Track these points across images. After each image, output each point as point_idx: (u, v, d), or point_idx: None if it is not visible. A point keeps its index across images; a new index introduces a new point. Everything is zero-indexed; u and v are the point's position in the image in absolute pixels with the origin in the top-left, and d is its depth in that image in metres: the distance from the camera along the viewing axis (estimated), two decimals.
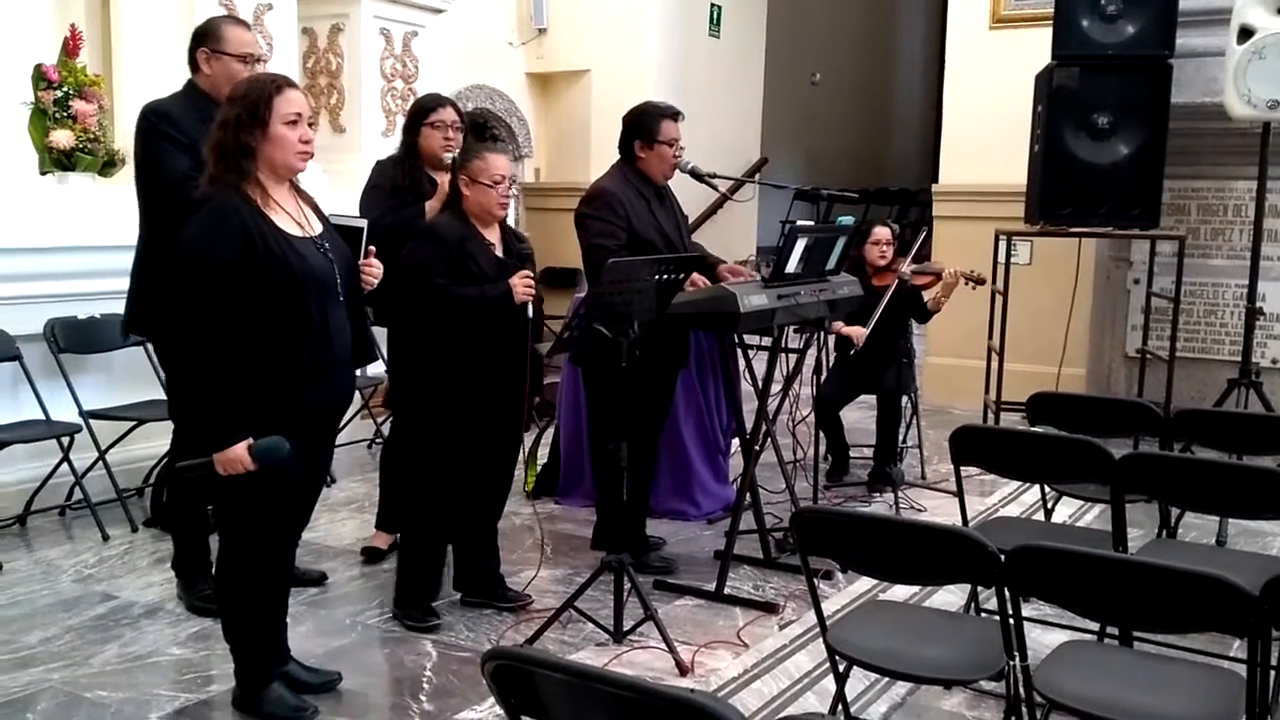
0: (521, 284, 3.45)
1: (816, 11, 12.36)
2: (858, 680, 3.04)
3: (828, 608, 3.09)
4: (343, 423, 3.25)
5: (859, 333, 5.02)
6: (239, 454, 2.68)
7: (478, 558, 3.73)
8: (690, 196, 4.68)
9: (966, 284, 5.24)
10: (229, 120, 2.76)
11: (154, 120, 3.51)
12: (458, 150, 3.86)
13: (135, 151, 3.58)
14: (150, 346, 4.63)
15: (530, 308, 3.51)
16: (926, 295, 5.28)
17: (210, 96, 3.47)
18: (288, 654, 3.10)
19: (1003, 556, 2.25)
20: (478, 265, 3.44)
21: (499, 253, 3.53)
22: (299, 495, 2.96)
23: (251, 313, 2.71)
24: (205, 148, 2.83)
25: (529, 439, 5.33)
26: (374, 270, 3.01)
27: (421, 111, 3.99)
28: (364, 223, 3.01)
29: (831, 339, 5.31)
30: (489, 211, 3.50)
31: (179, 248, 2.77)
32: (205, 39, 3.55)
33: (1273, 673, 2.39)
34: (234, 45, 3.53)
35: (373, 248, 3.03)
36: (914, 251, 5.27)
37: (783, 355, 4.20)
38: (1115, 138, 5.61)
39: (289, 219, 2.81)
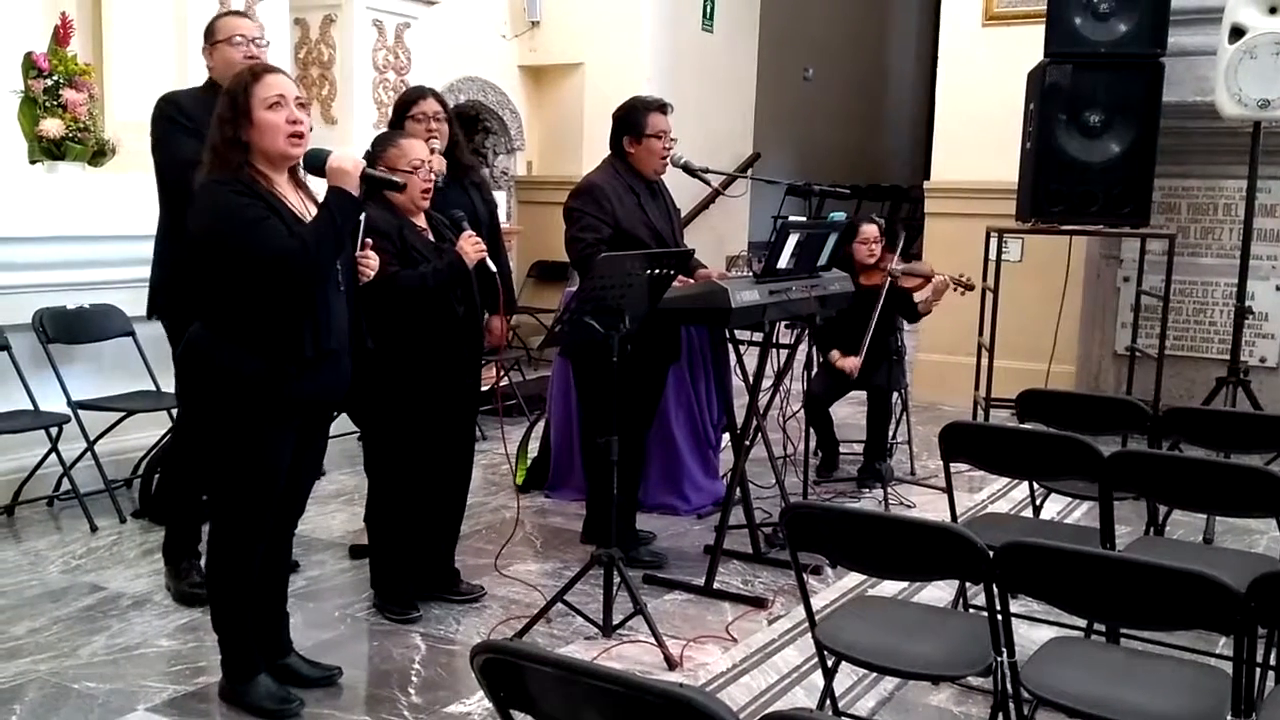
0: (469, 245, 3.37)
1: (809, 6, 12.36)
2: (846, 675, 3.04)
3: (817, 603, 3.10)
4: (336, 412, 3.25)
5: (853, 365, 5.01)
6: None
7: (437, 552, 3.69)
8: (682, 191, 4.67)
9: (955, 289, 5.24)
10: (215, 118, 2.78)
11: (162, 106, 3.68)
12: (443, 142, 3.85)
13: (151, 140, 3.70)
14: (139, 338, 4.65)
15: (491, 264, 3.43)
16: (917, 298, 5.27)
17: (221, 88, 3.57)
18: (289, 646, 3.09)
19: (991, 553, 2.26)
20: (420, 253, 3.35)
21: (431, 238, 3.45)
22: (293, 484, 2.95)
23: (256, 292, 2.71)
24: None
25: (519, 432, 5.33)
26: (370, 262, 3.01)
27: (403, 105, 3.99)
28: (360, 215, 3.03)
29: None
30: (414, 201, 3.39)
31: (189, 236, 2.79)
32: (205, 37, 3.74)
33: (1258, 670, 2.40)
34: (223, 32, 3.68)
35: (369, 240, 3.03)
36: (900, 245, 5.25)
37: (773, 351, 4.21)
38: (1107, 135, 5.62)
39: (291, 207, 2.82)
